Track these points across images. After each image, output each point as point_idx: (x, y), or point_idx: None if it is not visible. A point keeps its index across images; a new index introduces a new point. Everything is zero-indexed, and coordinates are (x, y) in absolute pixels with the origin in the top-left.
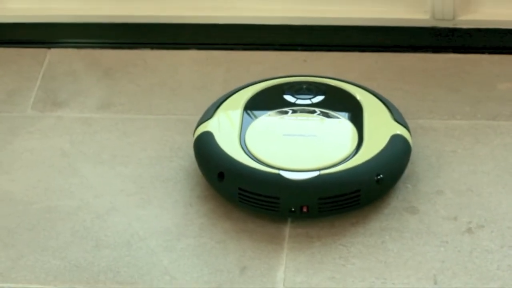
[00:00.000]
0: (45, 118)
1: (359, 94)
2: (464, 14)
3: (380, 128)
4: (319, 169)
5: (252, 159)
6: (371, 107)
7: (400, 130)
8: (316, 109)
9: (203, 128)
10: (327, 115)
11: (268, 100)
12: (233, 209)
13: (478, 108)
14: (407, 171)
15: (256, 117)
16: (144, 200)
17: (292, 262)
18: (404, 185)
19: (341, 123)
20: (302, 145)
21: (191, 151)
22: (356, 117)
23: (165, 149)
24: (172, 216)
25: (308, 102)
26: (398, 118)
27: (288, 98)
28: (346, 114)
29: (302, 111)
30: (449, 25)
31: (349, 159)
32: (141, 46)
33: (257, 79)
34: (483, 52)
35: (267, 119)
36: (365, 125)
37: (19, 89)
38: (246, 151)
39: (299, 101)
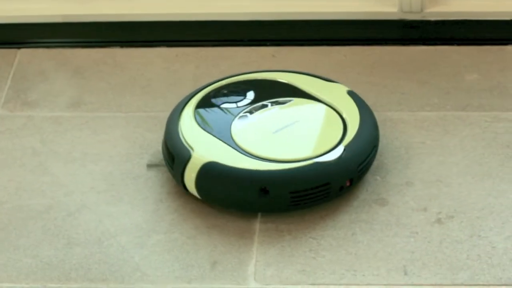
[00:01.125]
0: (16, 118)
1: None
2: (432, 6)
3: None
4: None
5: (243, 154)
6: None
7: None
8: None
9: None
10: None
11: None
12: (203, 204)
13: (447, 99)
14: (376, 163)
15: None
16: (114, 197)
17: (262, 256)
18: (373, 177)
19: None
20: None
21: (160, 148)
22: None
23: (135, 146)
24: (143, 213)
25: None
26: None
27: (216, 102)
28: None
29: (273, 104)
30: (418, 17)
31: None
32: (110, 45)
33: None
34: (451, 44)
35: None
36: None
37: None
38: (235, 142)
39: (225, 105)
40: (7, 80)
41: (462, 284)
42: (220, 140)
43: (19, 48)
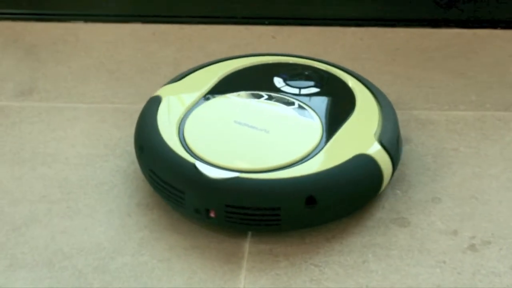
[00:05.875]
0: None
1: (359, 93)
2: None
3: (351, 141)
4: (241, 171)
5: (180, 140)
6: (362, 112)
7: (373, 150)
8: (297, 102)
9: (160, 91)
10: (302, 111)
11: (251, 79)
12: (181, 220)
13: (487, 96)
14: (396, 174)
15: (223, 93)
16: (71, 209)
17: (252, 285)
18: (393, 191)
19: (310, 126)
20: (245, 138)
21: (130, 149)
22: (336, 122)
23: (98, 146)
24: (106, 229)
25: (296, 91)
26: (384, 133)
27: (277, 82)
28: (326, 116)
29: (278, 100)
30: None
31: (284, 169)
32: (72, 18)
33: (220, 57)
34: (495, 27)
35: (231, 99)
36: (337, 135)
37: None
38: (180, 129)
39: (286, 88)
40: None
41: None
42: None
43: None
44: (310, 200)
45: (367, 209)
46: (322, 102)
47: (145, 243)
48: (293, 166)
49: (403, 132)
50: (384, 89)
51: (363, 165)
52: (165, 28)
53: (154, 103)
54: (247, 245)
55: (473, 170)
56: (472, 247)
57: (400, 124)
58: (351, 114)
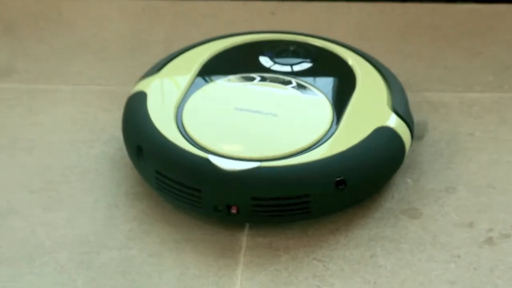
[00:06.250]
0: None
1: (357, 66)
2: None
3: (366, 115)
4: (261, 160)
5: (183, 135)
6: (366, 84)
7: (392, 121)
8: (294, 80)
9: (140, 86)
10: (303, 89)
11: (235, 61)
12: (173, 211)
13: (505, 77)
14: (407, 161)
15: (211, 80)
16: (53, 199)
17: (249, 282)
18: (403, 180)
19: (317, 102)
20: (253, 125)
21: (118, 134)
22: (342, 97)
23: (83, 131)
24: (91, 221)
25: (287, 69)
26: (397, 103)
27: (264, 61)
28: (330, 91)
29: (273, 80)
30: None
31: (306, 152)
32: None
33: (216, 35)
34: None
35: (223, 85)
36: (349, 109)
37: None
38: (179, 124)
39: (275, 67)
40: None
41: None
42: None
43: None
44: (340, 182)
45: (374, 198)
46: (319, 77)
47: (134, 236)
48: (314, 148)
49: (414, 116)
50: (393, 69)
51: (385, 138)
52: (156, 4)
53: (139, 99)
54: (244, 238)
55: (490, 157)
56: (489, 241)
57: (411, 107)
58: (356, 87)
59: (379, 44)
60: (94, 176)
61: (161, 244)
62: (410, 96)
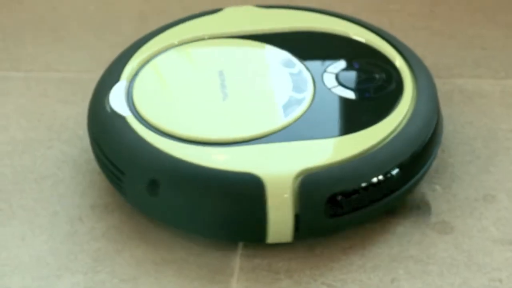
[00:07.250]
0: None
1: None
2: None
3: None
4: None
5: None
6: None
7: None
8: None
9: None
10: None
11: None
12: (150, 226)
13: None
14: (435, 164)
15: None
16: (3, 212)
17: None
18: (430, 187)
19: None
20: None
21: (83, 132)
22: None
23: (39, 128)
24: (49, 238)
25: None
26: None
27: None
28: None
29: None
30: None
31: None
32: None
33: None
34: None
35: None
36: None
37: None
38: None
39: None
40: None
41: None
42: None
43: None
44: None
45: (397, 210)
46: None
47: (103, 257)
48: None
49: (444, 108)
50: (418, 50)
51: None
52: None
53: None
54: (237, 258)
55: None
56: None
57: (440, 97)
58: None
59: (401, 20)
60: (52, 183)
61: (136, 266)
62: (439, 84)
